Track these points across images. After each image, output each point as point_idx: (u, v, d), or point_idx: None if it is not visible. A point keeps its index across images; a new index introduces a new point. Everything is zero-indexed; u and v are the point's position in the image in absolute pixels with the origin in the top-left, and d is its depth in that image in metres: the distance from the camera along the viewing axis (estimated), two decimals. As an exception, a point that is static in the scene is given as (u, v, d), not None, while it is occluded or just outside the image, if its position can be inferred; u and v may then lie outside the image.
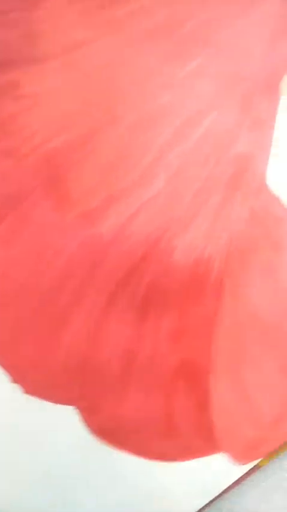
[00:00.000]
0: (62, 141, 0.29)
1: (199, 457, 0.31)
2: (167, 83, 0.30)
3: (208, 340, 0.31)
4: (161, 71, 0.30)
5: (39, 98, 0.29)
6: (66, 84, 0.29)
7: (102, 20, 0.29)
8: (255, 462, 0.32)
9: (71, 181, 0.29)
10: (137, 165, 0.30)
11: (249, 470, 0.32)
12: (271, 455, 0.32)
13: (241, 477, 0.32)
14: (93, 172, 0.29)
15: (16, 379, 0.30)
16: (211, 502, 0.31)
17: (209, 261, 0.31)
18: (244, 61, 0.30)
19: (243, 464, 0.32)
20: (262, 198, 0.31)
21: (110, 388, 0.30)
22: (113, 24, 0.29)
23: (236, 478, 0.32)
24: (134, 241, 0.30)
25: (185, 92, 0.30)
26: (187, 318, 0.31)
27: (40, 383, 0.30)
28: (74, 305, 0.30)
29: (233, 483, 0.31)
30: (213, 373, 0.31)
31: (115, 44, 0.29)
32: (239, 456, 0.31)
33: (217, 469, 0.31)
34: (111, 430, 0.30)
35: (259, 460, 0.32)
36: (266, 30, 0.30)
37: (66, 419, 0.30)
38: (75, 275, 0.30)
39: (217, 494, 0.31)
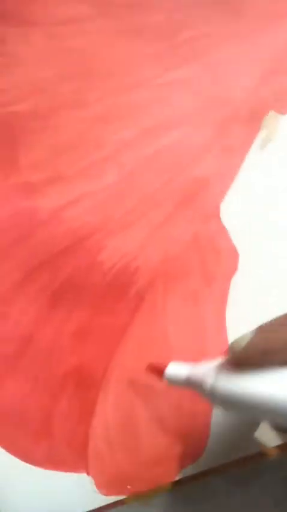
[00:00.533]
0: (27, 107, 0.29)
1: (64, 470, 0.29)
2: (147, 82, 0.29)
3: (110, 353, 0.29)
4: (144, 70, 0.29)
5: (19, 59, 0.29)
6: (47, 54, 0.29)
7: (100, 2, 0.29)
8: (120, 497, 0.29)
9: (22, 149, 0.29)
10: (91, 155, 0.29)
11: (112, 503, 0.30)
12: (139, 496, 0.30)
13: (100, 508, 0.29)
14: (46, 148, 0.29)
15: None
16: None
17: (135, 273, 0.29)
18: (231, 86, 0.29)
19: (106, 495, 0.29)
20: (209, 227, 0.29)
21: (-6, 368, 0.29)
22: (111, 8, 0.29)
23: (93, 508, 0.29)
24: (65, 228, 0.29)
25: (162, 98, 0.29)
26: (97, 323, 0.29)
27: None
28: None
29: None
30: (104, 390, 0.29)
31: (106, 28, 0.29)
32: (104, 485, 0.29)
33: (75, 492, 0.29)
34: (-18, 412, 0.29)
35: (124, 497, 0.29)
36: (264, 61, 0.29)
37: None
38: (0, 239, 0.29)
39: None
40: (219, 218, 0.30)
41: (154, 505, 0.30)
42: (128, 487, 0.29)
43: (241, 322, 0.30)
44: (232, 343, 0.21)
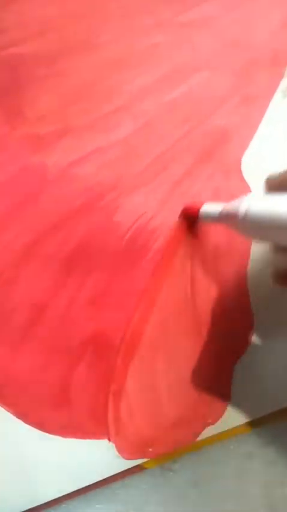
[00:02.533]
0: (31, 49, 0.26)
1: (83, 438, 0.28)
2: (163, 24, 0.26)
3: (128, 318, 0.28)
4: (160, 10, 0.26)
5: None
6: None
7: None
8: (140, 461, 0.29)
9: (28, 97, 0.26)
10: (104, 105, 0.26)
11: (131, 468, 0.29)
12: (159, 459, 0.30)
13: (120, 473, 0.29)
14: (53, 96, 0.26)
15: None
16: (79, 491, 0.28)
17: (152, 234, 0.27)
18: (255, 29, 0.27)
19: (127, 459, 0.29)
20: (230, 183, 0.28)
21: (6, 339, 0.27)
22: None
23: (114, 473, 0.29)
24: (76, 186, 0.26)
25: (179, 40, 0.26)
26: (113, 287, 0.28)
27: None
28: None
29: (109, 477, 0.29)
30: (123, 355, 0.28)
31: None
32: (126, 450, 0.29)
33: (96, 458, 0.28)
34: (-4, 383, 0.27)
35: (145, 460, 0.29)
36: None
37: None
38: (7, 199, 0.26)
39: (86, 484, 0.28)
40: (240, 173, 0.28)
41: (175, 468, 0.30)
42: (150, 449, 0.29)
43: (261, 280, 0.29)
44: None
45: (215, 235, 0.28)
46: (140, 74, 0.26)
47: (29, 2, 0.26)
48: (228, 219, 0.23)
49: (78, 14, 0.26)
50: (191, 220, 0.27)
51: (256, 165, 0.28)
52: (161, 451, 0.29)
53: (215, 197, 0.28)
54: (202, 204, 0.26)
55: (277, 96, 0.28)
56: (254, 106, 0.28)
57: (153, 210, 0.27)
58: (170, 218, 0.27)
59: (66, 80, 0.26)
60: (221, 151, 0.27)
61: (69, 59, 0.26)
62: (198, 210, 0.25)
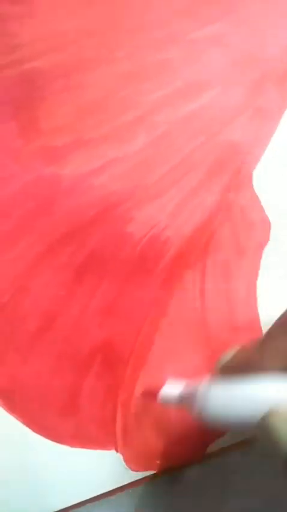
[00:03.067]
0: (47, 63, 0.26)
1: (91, 448, 0.28)
2: (177, 39, 0.27)
3: (138, 328, 0.28)
4: (173, 25, 0.27)
5: (34, 8, 0.26)
6: (66, 4, 0.26)
7: None
8: (147, 473, 0.29)
9: (43, 110, 0.26)
10: (118, 117, 0.27)
11: (141, 479, 0.29)
12: (168, 471, 0.30)
13: (127, 484, 0.29)
14: (68, 109, 0.26)
15: None
16: (86, 501, 0.28)
17: (164, 245, 0.28)
18: (266, 42, 0.27)
19: (134, 470, 0.29)
20: (241, 196, 0.28)
21: (17, 345, 0.27)
22: None
23: (121, 484, 0.29)
24: (90, 197, 0.27)
25: (193, 55, 0.27)
26: (125, 297, 0.28)
27: None
28: (6, 242, 0.26)
29: (116, 489, 0.28)
30: (132, 366, 0.28)
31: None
32: (133, 461, 0.29)
33: (104, 469, 0.28)
34: (5, 391, 0.27)
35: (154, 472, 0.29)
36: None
37: None
38: (20, 209, 0.27)
39: (94, 495, 0.28)
40: (252, 186, 0.28)
41: (183, 480, 0.30)
42: (158, 461, 0.29)
43: (272, 294, 0.29)
44: (220, 358, 0.23)
45: (225, 249, 0.28)
46: (153, 87, 0.27)
47: (44, 17, 0.27)
48: (186, 403, 0.23)
49: (94, 29, 0.27)
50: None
51: (267, 179, 0.28)
52: (169, 463, 0.29)
53: (227, 209, 0.28)
54: (161, 385, 0.25)
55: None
56: (266, 120, 0.28)
57: (166, 221, 0.27)
58: (183, 229, 0.28)
59: (81, 93, 0.27)
60: (233, 165, 0.28)
61: (85, 73, 0.26)
62: (157, 392, 0.25)
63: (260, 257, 0.29)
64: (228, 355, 0.23)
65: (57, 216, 0.27)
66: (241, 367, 0.22)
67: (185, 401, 0.24)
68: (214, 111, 0.27)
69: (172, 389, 0.25)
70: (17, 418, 0.27)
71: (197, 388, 0.23)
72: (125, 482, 0.29)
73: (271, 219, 0.29)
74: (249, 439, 0.30)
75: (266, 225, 0.29)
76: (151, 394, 0.25)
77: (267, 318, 0.29)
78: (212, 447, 0.30)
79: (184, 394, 0.24)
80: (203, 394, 0.22)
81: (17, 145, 0.27)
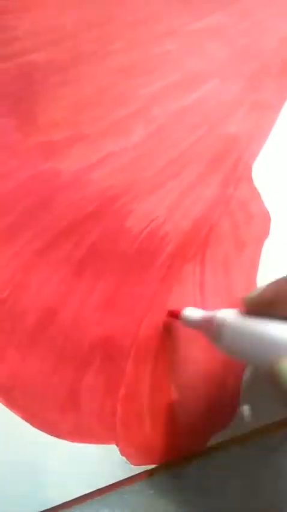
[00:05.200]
0: (45, 57, 0.26)
1: (91, 442, 0.28)
2: (175, 31, 0.26)
3: (138, 323, 0.28)
4: (171, 18, 0.26)
5: (32, 1, 0.26)
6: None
7: None
8: (147, 467, 0.29)
9: (41, 104, 0.26)
10: (116, 111, 0.26)
11: (139, 474, 0.29)
12: (168, 465, 0.30)
13: (127, 479, 0.29)
14: (66, 103, 0.26)
15: None
16: (86, 496, 0.28)
17: (163, 239, 0.27)
18: (266, 34, 0.27)
19: (135, 465, 0.29)
20: (240, 189, 0.28)
21: (16, 341, 0.27)
22: None
23: (121, 478, 0.29)
24: (89, 192, 0.27)
25: (191, 47, 0.27)
26: (124, 292, 0.28)
27: None
28: (5, 238, 0.26)
29: (116, 482, 0.29)
30: (133, 361, 0.28)
31: None
32: (133, 455, 0.29)
33: (104, 463, 0.28)
34: (5, 387, 0.27)
35: (152, 466, 0.29)
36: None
37: None
38: (18, 205, 0.26)
39: (94, 489, 0.28)
40: (251, 180, 0.28)
41: (183, 474, 0.30)
42: (158, 456, 0.29)
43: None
44: (246, 296, 0.22)
45: (225, 243, 0.28)
46: (152, 80, 0.27)
47: (42, 10, 0.26)
48: (205, 327, 0.24)
49: (92, 21, 0.27)
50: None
51: (266, 172, 0.28)
52: (170, 458, 0.29)
53: (226, 203, 0.28)
54: (182, 309, 0.27)
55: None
56: (265, 113, 0.28)
57: (165, 215, 0.27)
58: (182, 223, 0.27)
59: (80, 87, 0.26)
60: (232, 158, 0.28)
61: (83, 66, 0.26)
62: (179, 313, 0.27)
63: (260, 251, 0.29)
64: (257, 290, 0.22)
65: (56, 211, 0.27)
66: (265, 304, 0.21)
67: (204, 324, 0.24)
68: (212, 104, 0.27)
69: (194, 311, 0.26)
70: (16, 414, 0.27)
71: (217, 314, 0.23)
72: (126, 477, 0.29)
73: (270, 212, 0.29)
74: (249, 433, 0.30)
75: (266, 218, 0.29)
76: (175, 314, 0.27)
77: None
78: (212, 441, 0.30)
79: (204, 317, 0.24)
80: (221, 321, 0.22)
81: (15, 141, 0.26)
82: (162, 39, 0.27)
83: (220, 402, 0.29)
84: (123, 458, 0.28)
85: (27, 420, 0.27)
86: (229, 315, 0.23)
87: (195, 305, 0.28)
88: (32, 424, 0.28)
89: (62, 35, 0.26)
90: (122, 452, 0.28)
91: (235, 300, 0.29)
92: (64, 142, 0.26)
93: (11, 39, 0.26)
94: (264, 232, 0.29)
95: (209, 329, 0.23)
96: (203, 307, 0.29)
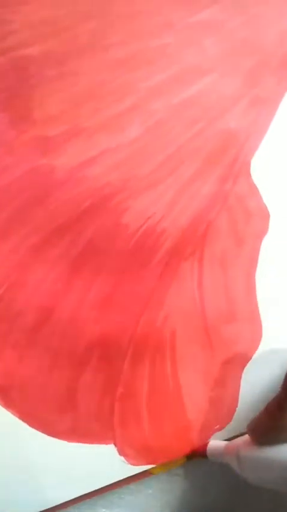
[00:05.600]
0: (39, 51, 0.25)
1: (89, 442, 0.28)
2: (172, 25, 0.26)
3: (136, 321, 0.28)
4: (169, 11, 0.26)
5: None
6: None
7: None
8: (146, 467, 0.29)
9: (36, 99, 0.26)
10: (113, 106, 0.26)
11: (140, 473, 0.29)
12: (167, 465, 0.29)
13: (125, 478, 0.28)
14: (62, 98, 0.26)
15: None
16: (85, 496, 0.28)
17: (160, 236, 0.27)
18: (265, 30, 0.27)
19: (133, 464, 0.28)
20: (239, 185, 0.27)
21: (13, 342, 0.27)
22: None
23: (120, 478, 0.28)
24: (85, 188, 0.26)
25: (189, 41, 0.26)
26: (121, 290, 0.27)
27: None
28: (0, 235, 0.26)
29: (115, 482, 0.28)
30: (130, 360, 0.28)
31: None
32: (132, 455, 0.28)
33: (102, 463, 0.28)
34: (1, 386, 0.27)
35: (151, 466, 0.29)
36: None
37: None
38: (13, 201, 0.26)
39: (92, 489, 0.28)
40: (249, 176, 0.28)
41: (181, 474, 0.30)
42: (156, 455, 0.29)
43: (271, 284, 0.29)
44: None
45: (223, 239, 0.28)
46: (149, 74, 0.26)
47: (37, 3, 0.26)
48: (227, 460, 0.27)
49: (88, 14, 0.26)
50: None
51: (265, 168, 0.28)
52: (168, 458, 0.29)
53: (224, 199, 0.27)
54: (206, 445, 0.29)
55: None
56: (263, 108, 0.27)
57: (162, 211, 0.27)
58: (179, 220, 0.27)
59: (75, 81, 0.26)
60: (230, 154, 0.27)
61: (78, 60, 0.26)
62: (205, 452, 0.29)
63: (259, 247, 0.28)
64: (254, 418, 0.25)
65: (51, 208, 0.26)
66: (268, 430, 0.24)
67: (227, 459, 0.26)
68: (210, 99, 0.27)
69: (216, 446, 0.28)
70: (13, 414, 0.27)
71: (235, 451, 0.25)
72: (124, 476, 0.29)
73: (269, 208, 0.28)
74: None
75: (264, 214, 0.28)
76: (200, 453, 0.29)
77: (266, 307, 0.29)
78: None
79: (226, 453, 0.27)
80: (240, 457, 0.25)
81: (10, 136, 0.26)
82: (160, 32, 0.26)
83: (219, 402, 0.29)
84: (122, 458, 0.28)
85: (24, 420, 0.27)
86: (243, 449, 0.25)
87: (193, 302, 0.28)
88: (29, 423, 0.27)
89: (57, 28, 0.26)
90: (121, 452, 0.28)
91: (232, 295, 0.28)
92: (60, 137, 0.26)
93: (6, 34, 0.25)
94: (263, 229, 0.28)
95: (232, 463, 0.26)
96: (201, 304, 0.28)
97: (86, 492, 0.28)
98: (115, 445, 0.28)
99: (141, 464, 0.29)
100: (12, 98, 0.26)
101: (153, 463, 0.29)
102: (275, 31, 0.27)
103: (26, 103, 0.26)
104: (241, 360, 0.30)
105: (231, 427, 0.29)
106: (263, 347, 0.29)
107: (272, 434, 0.24)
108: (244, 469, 0.25)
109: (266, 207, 0.28)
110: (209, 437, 0.30)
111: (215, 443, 0.28)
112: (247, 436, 0.25)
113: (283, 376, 0.24)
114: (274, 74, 0.27)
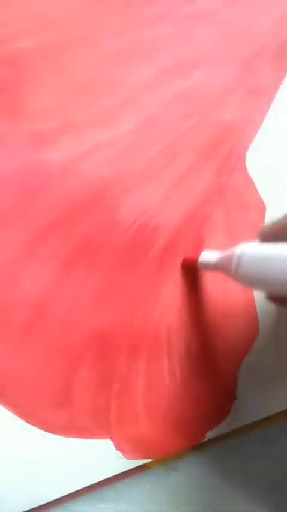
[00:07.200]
0: (32, 44, 0.25)
1: (85, 438, 0.28)
2: (165, 16, 0.26)
3: (132, 316, 0.27)
4: (162, 2, 0.25)
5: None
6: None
7: None
8: (143, 461, 0.29)
9: (28, 93, 0.25)
10: (105, 99, 0.26)
11: (137, 467, 0.29)
12: (165, 459, 0.29)
13: (123, 473, 0.28)
14: (54, 91, 0.25)
15: None
16: (82, 491, 0.28)
17: (155, 231, 0.27)
18: (259, 20, 0.26)
19: (130, 459, 0.28)
20: (235, 178, 0.27)
21: (7, 338, 0.26)
22: None
23: (117, 473, 0.28)
24: (79, 183, 0.26)
25: (182, 32, 0.26)
26: (116, 285, 0.27)
27: None
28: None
29: (112, 477, 0.28)
30: (126, 355, 0.28)
31: None
32: (128, 450, 0.28)
33: (99, 458, 0.28)
34: (-3, 383, 0.27)
35: (148, 460, 0.29)
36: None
37: None
38: (6, 196, 0.26)
39: (89, 484, 0.28)
40: (245, 169, 0.27)
41: (180, 468, 0.30)
42: (153, 450, 0.29)
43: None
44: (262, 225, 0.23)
45: (219, 234, 0.28)
46: (142, 67, 0.26)
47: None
48: (223, 268, 0.24)
49: (80, 7, 0.26)
50: (191, 269, 0.27)
51: (260, 161, 0.27)
52: (165, 452, 0.29)
53: (219, 193, 0.27)
54: (199, 253, 0.26)
55: (283, 88, 0.27)
56: (259, 99, 0.27)
57: (156, 206, 0.27)
58: (174, 214, 0.27)
59: (67, 75, 0.26)
60: (225, 147, 0.27)
61: (70, 53, 0.25)
62: (196, 259, 0.26)
63: (255, 240, 0.28)
64: (270, 221, 0.22)
65: (45, 203, 0.26)
66: (282, 230, 0.21)
67: (223, 263, 0.24)
68: (205, 91, 0.26)
69: (210, 254, 0.25)
70: (9, 410, 0.27)
71: (234, 250, 0.23)
72: (121, 471, 0.29)
73: (265, 200, 0.28)
74: (245, 427, 0.29)
75: (260, 207, 0.28)
76: (191, 261, 0.27)
77: (262, 301, 0.29)
78: (209, 435, 0.29)
79: (222, 257, 0.24)
80: (239, 254, 0.22)
81: (2, 131, 0.26)
82: (152, 24, 0.26)
83: (217, 396, 0.29)
84: (119, 452, 0.28)
85: (19, 416, 0.27)
86: (247, 247, 0.22)
87: (189, 297, 0.28)
88: (25, 420, 0.27)
89: (49, 20, 0.26)
90: (117, 447, 0.28)
91: (230, 290, 0.28)
92: (53, 131, 0.26)
93: (-4, 26, 0.25)
94: (259, 222, 0.28)
95: (228, 264, 0.23)
96: (197, 299, 0.28)
97: (83, 487, 0.28)
98: (112, 440, 0.28)
99: (138, 459, 0.29)
100: (4, 92, 0.25)
101: (150, 458, 0.29)
102: (269, 21, 0.26)
103: (17, 97, 0.25)
104: (239, 353, 0.30)
105: (229, 421, 0.29)
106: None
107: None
108: (242, 268, 0.22)
109: (262, 200, 0.28)
110: (207, 432, 0.30)
111: (209, 252, 0.26)
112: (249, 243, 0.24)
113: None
114: (269, 64, 0.27)
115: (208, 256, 0.25)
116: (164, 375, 0.28)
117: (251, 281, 0.22)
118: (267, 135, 0.27)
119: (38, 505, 0.27)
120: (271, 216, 0.28)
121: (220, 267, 0.24)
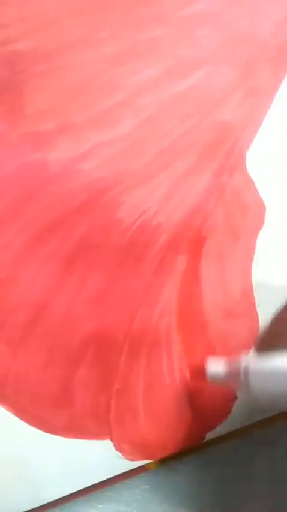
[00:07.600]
0: (31, 45, 0.25)
1: (85, 438, 0.28)
2: (164, 17, 0.26)
3: (131, 316, 0.27)
4: (161, 4, 0.25)
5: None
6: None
7: None
8: (142, 462, 0.29)
9: (27, 94, 0.25)
10: (105, 100, 0.26)
11: (137, 468, 0.29)
12: (164, 460, 0.29)
13: (122, 474, 0.28)
14: (53, 92, 0.25)
15: None
16: (82, 492, 0.28)
17: (155, 230, 0.27)
18: (259, 21, 0.26)
19: (130, 460, 0.28)
20: (235, 178, 0.27)
21: (6, 338, 0.27)
22: None
23: (116, 474, 0.28)
24: (79, 183, 0.26)
25: (181, 34, 0.26)
26: (116, 285, 0.27)
27: None
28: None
29: (112, 478, 0.28)
30: (126, 355, 0.28)
31: None
32: (128, 451, 0.28)
33: (99, 459, 0.28)
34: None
35: (148, 461, 0.29)
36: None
37: None
38: (6, 197, 0.26)
39: (89, 485, 0.28)
40: (245, 169, 0.27)
41: (178, 469, 0.30)
42: (153, 451, 0.29)
43: (268, 278, 0.29)
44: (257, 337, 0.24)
45: (219, 234, 0.28)
46: (141, 68, 0.26)
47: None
48: (234, 385, 0.26)
49: (78, 8, 0.26)
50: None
51: (261, 161, 0.27)
52: (165, 453, 0.29)
53: (219, 193, 0.27)
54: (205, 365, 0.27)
55: (283, 89, 0.27)
56: (258, 100, 0.27)
57: (157, 205, 0.27)
58: (174, 214, 0.27)
59: (67, 76, 0.26)
60: (225, 147, 0.27)
61: (69, 54, 0.25)
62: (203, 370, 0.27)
63: (255, 241, 0.28)
64: (264, 328, 0.24)
65: (44, 203, 0.26)
66: (277, 339, 0.23)
67: (231, 378, 0.25)
68: (204, 91, 0.26)
69: (217, 367, 0.26)
70: (9, 410, 0.27)
71: (239, 365, 0.24)
72: (121, 472, 0.29)
73: (265, 201, 0.28)
74: (245, 428, 0.29)
75: (260, 208, 0.28)
76: (200, 375, 0.27)
77: (263, 302, 0.29)
78: (209, 436, 0.29)
79: (229, 372, 0.25)
80: (246, 371, 0.23)
81: (1, 131, 0.26)
82: (151, 25, 0.26)
83: (216, 397, 0.29)
84: (119, 453, 0.28)
85: (19, 416, 0.27)
86: (250, 363, 0.24)
87: (190, 298, 0.28)
88: (24, 420, 0.27)
89: (48, 21, 0.26)
90: (117, 448, 0.28)
91: (229, 290, 0.28)
92: (52, 132, 0.26)
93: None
94: (259, 222, 0.28)
95: (237, 383, 0.24)
96: (198, 298, 0.28)
97: (83, 488, 0.28)
98: (112, 440, 0.28)
99: (138, 460, 0.29)
100: (3, 93, 0.25)
101: (150, 459, 0.29)
102: (269, 22, 0.27)
103: (17, 98, 0.25)
104: (239, 353, 0.30)
105: (228, 423, 0.29)
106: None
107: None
108: (253, 384, 0.23)
109: (262, 200, 0.28)
110: (207, 432, 0.30)
111: (215, 363, 0.27)
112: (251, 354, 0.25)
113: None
114: (268, 65, 0.27)
115: (215, 369, 0.26)
116: (164, 375, 0.28)
117: (267, 399, 0.24)
118: (267, 135, 0.27)
119: (38, 505, 0.27)
120: (271, 216, 0.28)
121: (231, 383, 0.26)
